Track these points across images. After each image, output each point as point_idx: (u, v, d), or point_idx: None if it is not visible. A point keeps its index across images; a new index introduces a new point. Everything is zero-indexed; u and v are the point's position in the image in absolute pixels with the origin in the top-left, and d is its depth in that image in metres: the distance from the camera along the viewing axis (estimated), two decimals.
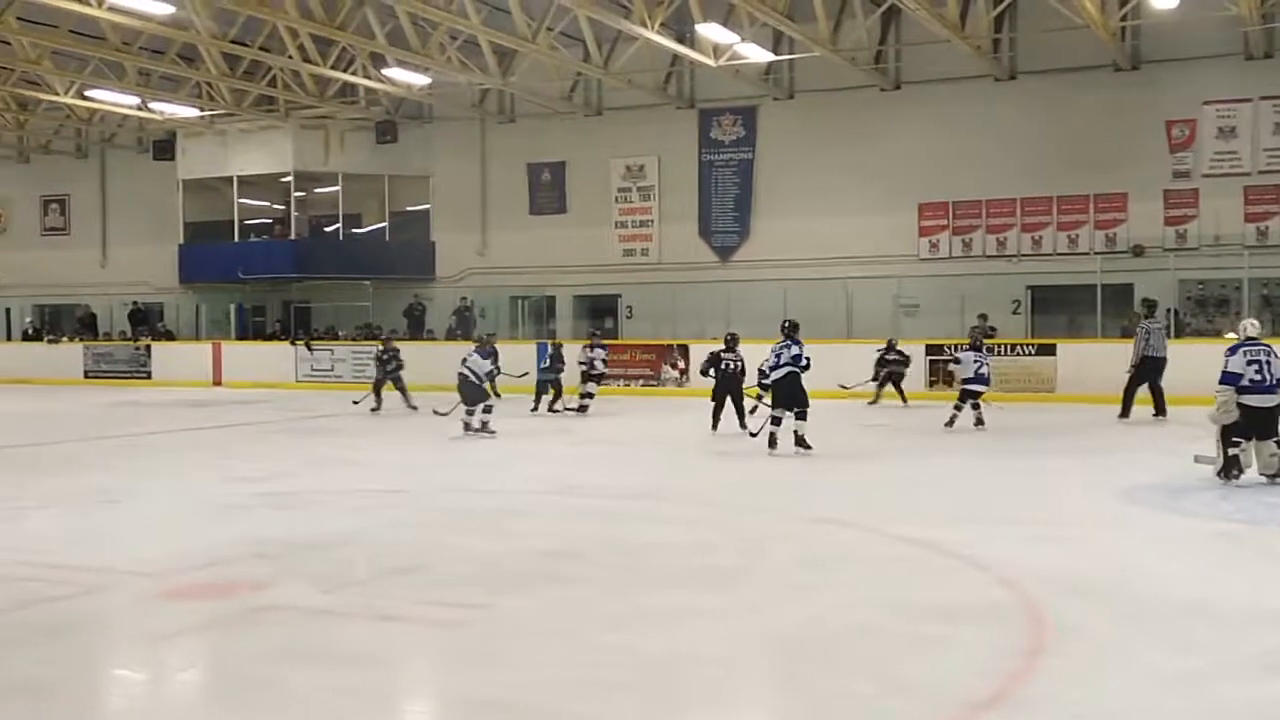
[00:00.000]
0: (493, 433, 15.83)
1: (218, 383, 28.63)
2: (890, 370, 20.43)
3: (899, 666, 5.64)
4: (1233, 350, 11.08)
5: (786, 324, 14.13)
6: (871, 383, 20.53)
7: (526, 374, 22.47)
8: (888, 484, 11.81)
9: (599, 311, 28.70)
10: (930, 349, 22.19)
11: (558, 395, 19.94)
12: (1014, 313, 23.87)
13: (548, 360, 20.42)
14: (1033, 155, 24.03)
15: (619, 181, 28.56)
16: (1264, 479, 10.79)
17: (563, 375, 20.09)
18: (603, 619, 6.55)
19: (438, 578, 7.66)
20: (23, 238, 35.95)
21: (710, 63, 23.34)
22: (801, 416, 13.55)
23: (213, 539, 8.78)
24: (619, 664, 5.72)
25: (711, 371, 16.14)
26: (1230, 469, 10.80)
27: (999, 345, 21.53)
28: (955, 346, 22.00)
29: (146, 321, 32.43)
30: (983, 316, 23.27)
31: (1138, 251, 23.40)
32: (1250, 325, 11.28)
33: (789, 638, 6.19)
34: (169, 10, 20.77)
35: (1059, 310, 24.00)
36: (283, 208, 31.78)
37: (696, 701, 5.26)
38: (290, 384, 27.24)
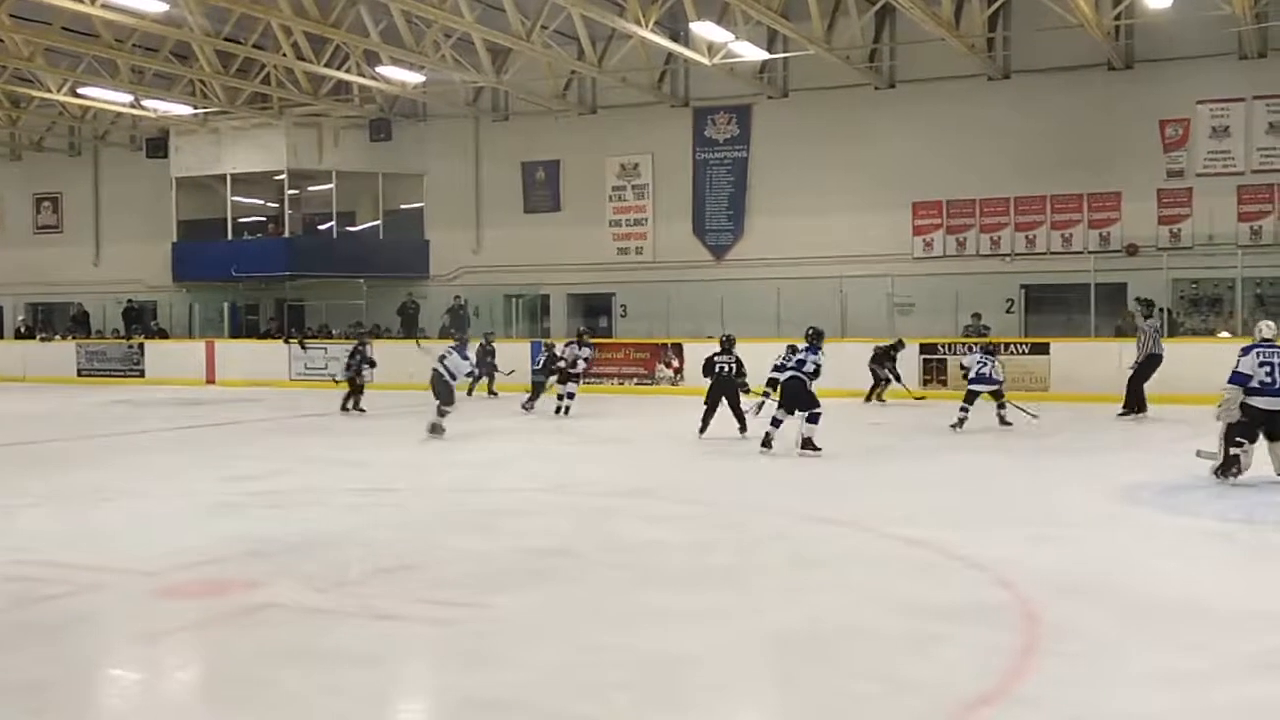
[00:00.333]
0: (442, 431, 15.51)
1: (211, 381, 28.60)
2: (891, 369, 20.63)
3: (896, 666, 5.63)
4: (1246, 351, 11.01)
5: (811, 331, 14.07)
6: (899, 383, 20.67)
7: (513, 371, 22.52)
8: (885, 483, 11.81)
9: (593, 310, 28.70)
10: (924, 348, 22.21)
11: (535, 395, 19.83)
12: (1008, 312, 23.87)
13: (540, 362, 20.36)
14: (1026, 154, 24.05)
15: (613, 180, 28.55)
16: (1273, 478, 10.69)
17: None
18: (600, 618, 6.54)
19: (433, 577, 7.64)
20: (15, 236, 35.89)
21: (704, 61, 23.34)
22: (812, 420, 13.39)
23: (207, 538, 8.76)
24: (616, 663, 5.71)
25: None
26: (1229, 468, 10.78)
27: (992, 344, 21.49)
28: (949, 346, 22.09)
29: (140, 320, 32.39)
30: (976, 315, 23.35)
31: (1131, 251, 23.44)
32: (1266, 327, 11.15)
33: (787, 637, 6.18)
34: (162, 7, 20.72)
35: (1053, 309, 24.02)
36: (276, 206, 31.73)
37: (694, 701, 5.25)
38: (284, 382, 27.20)
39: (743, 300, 24.40)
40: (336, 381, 20.54)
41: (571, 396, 19.02)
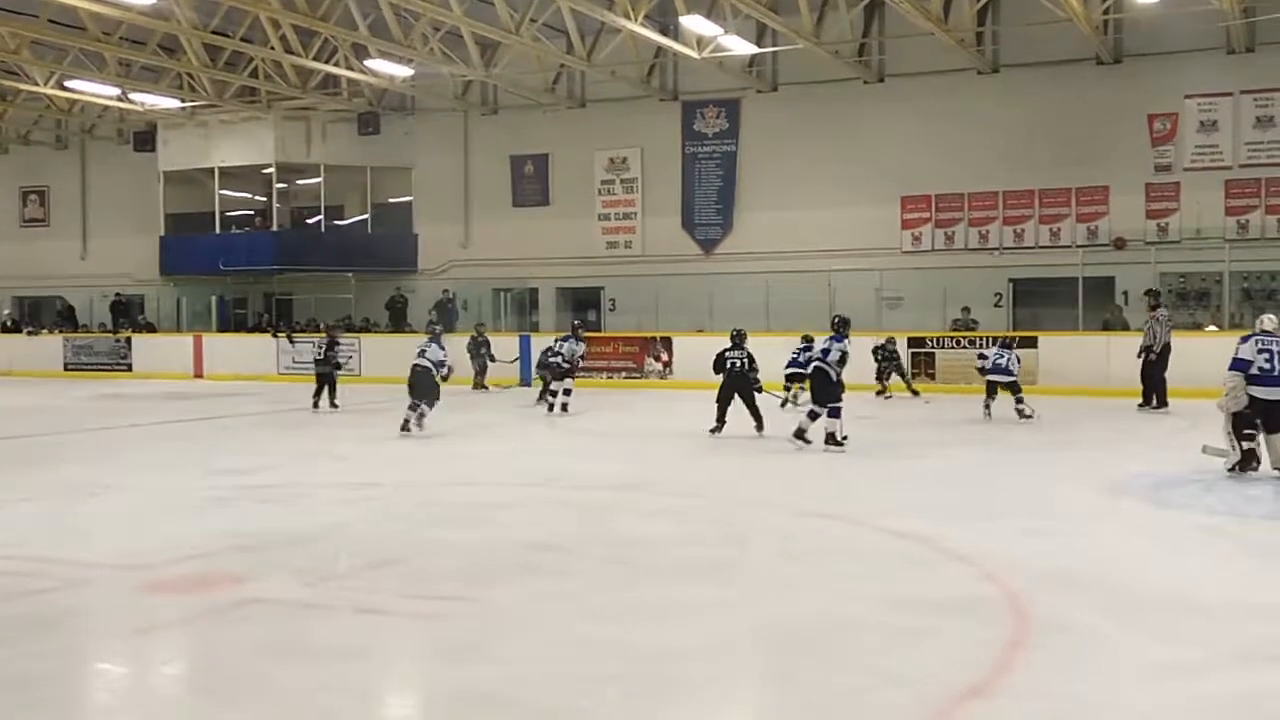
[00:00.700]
0: (421, 428, 15.20)
1: (199, 375, 28.53)
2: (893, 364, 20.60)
3: (885, 659, 5.64)
4: (1245, 339, 11.04)
5: (837, 319, 14.03)
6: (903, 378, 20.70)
7: (518, 359, 22.48)
8: (874, 477, 11.84)
9: (582, 304, 28.68)
10: (913, 341, 22.23)
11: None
12: (996, 305, 23.93)
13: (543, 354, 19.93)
14: (1015, 148, 24.08)
15: (602, 174, 28.54)
16: (1277, 474, 10.68)
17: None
18: (590, 612, 6.54)
19: (422, 571, 7.63)
20: (2, 229, 35.80)
21: (694, 55, 23.32)
22: (833, 414, 13.25)
23: (195, 532, 8.73)
24: (606, 657, 5.71)
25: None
26: (1248, 463, 10.75)
27: (981, 338, 21.60)
28: (938, 340, 22.12)
29: (127, 313, 32.31)
30: (965, 309, 23.39)
31: (1119, 244, 23.49)
32: (1268, 320, 11.14)
33: (776, 630, 6.19)
34: (150, 0, 20.64)
35: (1040, 303, 24.06)
36: (264, 199, 31.69)
37: (684, 695, 5.25)
38: (272, 376, 27.14)
39: (731, 294, 24.41)
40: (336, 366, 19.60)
41: (569, 393, 18.44)
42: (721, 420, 14.71)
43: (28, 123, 33.75)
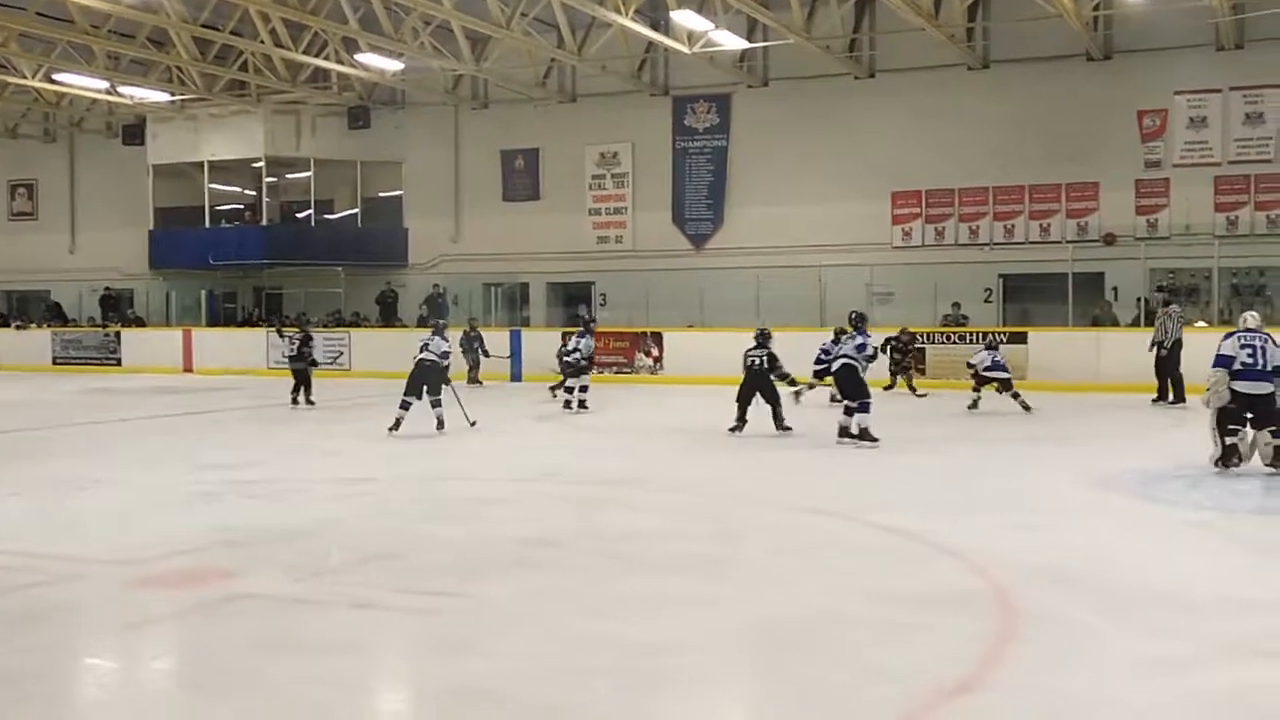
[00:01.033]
0: (443, 428, 14.69)
1: (188, 369, 28.49)
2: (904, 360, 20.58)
3: (873, 654, 5.66)
4: (1228, 335, 11.10)
5: (854, 315, 14.05)
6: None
7: (510, 356, 22.44)
8: (864, 473, 11.86)
9: (572, 299, 28.67)
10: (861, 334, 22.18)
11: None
12: (986, 301, 23.96)
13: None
14: (1005, 144, 24.10)
15: (593, 169, 28.51)
16: (1269, 470, 10.69)
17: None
18: (582, 607, 6.54)
19: (413, 566, 7.63)
20: None
21: (684, 50, 23.31)
22: (862, 409, 13.27)
23: (184, 527, 8.73)
24: (598, 651, 5.72)
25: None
26: (1229, 457, 10.77)
27: (971, 333, 21.64)
28: (928, 335, 22.13)
29: (117, 307, 32.24)
30: (955, 305, 23.42)
31: (1109, 240, 23.53)
32: (1251, 317, 11.21)
33: (766, 625, 6.20)
34: None
35: (1030, 298, 24.10)
36: (254, 193, 31.64)
37: (677, 689, 5.27)
38: (261, 370, 27.07)
39: (722, 289, 24.42)
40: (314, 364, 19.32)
41: (585, 390, 18.08)
42: (742, 419, 14.43)
43: (15, 116, 33.60)
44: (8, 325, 32.75)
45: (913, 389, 20.09)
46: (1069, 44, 23.10)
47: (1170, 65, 23.08)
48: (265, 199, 31.12)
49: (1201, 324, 21.18)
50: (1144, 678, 5.31)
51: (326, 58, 25.60)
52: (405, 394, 14.86)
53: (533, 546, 8.09)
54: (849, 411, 13.46)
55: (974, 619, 6.22)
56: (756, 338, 14.82)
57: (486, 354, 23.22)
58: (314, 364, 19.07)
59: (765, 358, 14.51)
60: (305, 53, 25.15)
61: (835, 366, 13.83)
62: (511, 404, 19.32)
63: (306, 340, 19.02)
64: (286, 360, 19.30)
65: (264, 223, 31.01)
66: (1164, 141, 23.44)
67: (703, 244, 27.38)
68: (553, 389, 19.59)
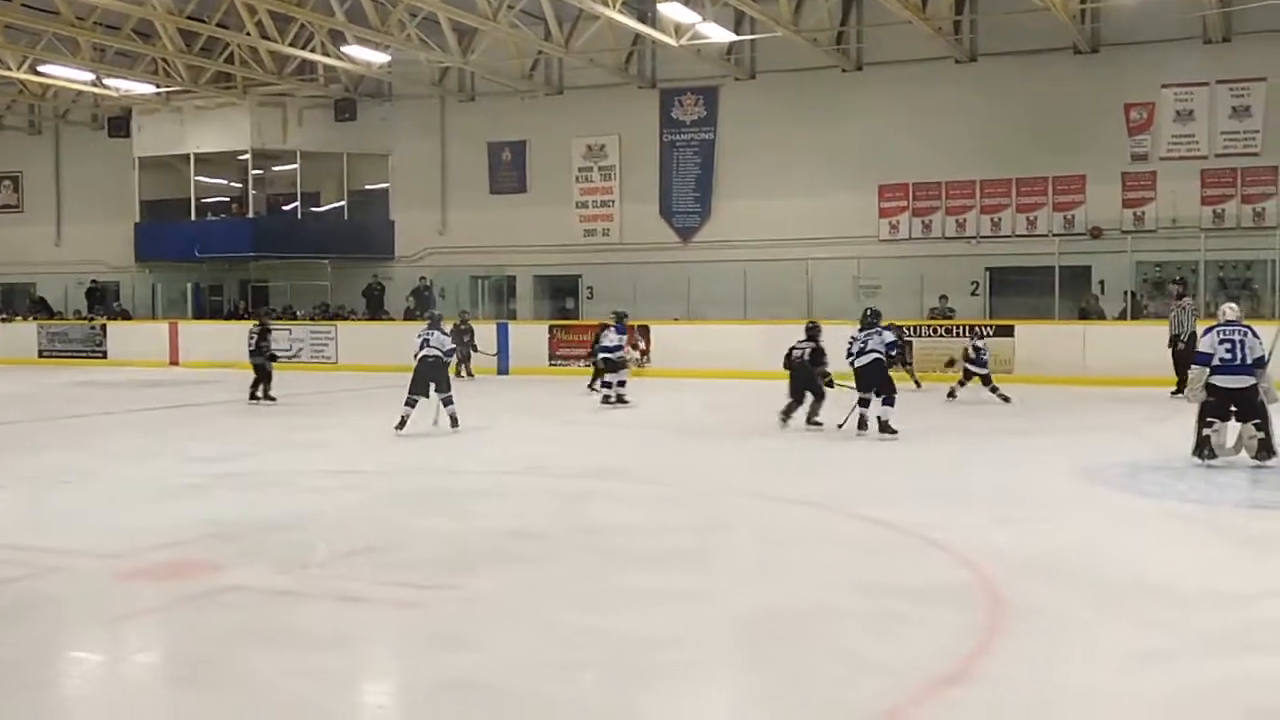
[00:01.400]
0: (457, 425, 14.26)
1: (175, 362, 28.39)
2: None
3: (862, 646, 5.67)
4: (1207, 331, 11.17)
5: (869, 312, 14.14)
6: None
7: (498, 353, 22.42)
8: (852, 465, 11.89)
9: (559, 292, 28.65)
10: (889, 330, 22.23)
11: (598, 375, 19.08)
12: (973, 294, 23.97)
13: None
14: (992, 137, 24.11)
15: (580, 161, 28.47)
16: (1253, 463, 10.72)
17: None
18: (569, 599, 6.54)
19: (400, 558, 7.62)
20: None
21: (672, 42, 23.27)
22: (889, 403, 13.47)
23: (170, 520, 8.70)
24: (586, 644, 5.72)
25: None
26: (1202, 449, 10.82)
27: (958, 326, 21.67)
28: (915, 328, 22.15)
29: (103, 300, 32.13)
30: (943, 298, 23.46)
31: (1095, 234, 23.57)
32: (1229, 309, 11.25)
33: (755, 618, 6.20)
34: None
35: (1017, 291, 24.10)
36: (240, 186, 31.53)
37: (664, 681, 5.27)
38: (248, 364, 26.90)
39: (709, 282, 24.44)
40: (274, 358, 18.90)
41: (622, 384, 17.89)
42: (790, 412, 14.27)
43: (0, 108, 33.44)
44: None
45: (917, 383, 20.08)
46: (1056, 37, 23.11)
47: (1157, 58, 23.12)
48: (251, 191, 31.00)
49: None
50: (1132, 669, 5.33)
51: (313, 50, 25.49)
52: (412, 392, 14.24)
53: (521, 539, 8.08)
54: (865, 404, 13.60)
55: (963, 611, 6.23)
56: (807, 330, 14.68)
57: (476, 348, 23.21)
58: (272, 358, 18.62)
59: (810, 351, 14.37)
60: (291, 45, 25.05)
61: (865, 361, 13.79)
62: (499, 397, 19.30)
63: (265, 334, 18.59)
64: (248, 355, 18.70)
65: (250, 215, 30.89)
66: (1151, 135, 23.48)
67: (690, 237, 27.36)
68: (591, 384, 19.73)
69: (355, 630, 6.08)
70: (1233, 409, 10.80)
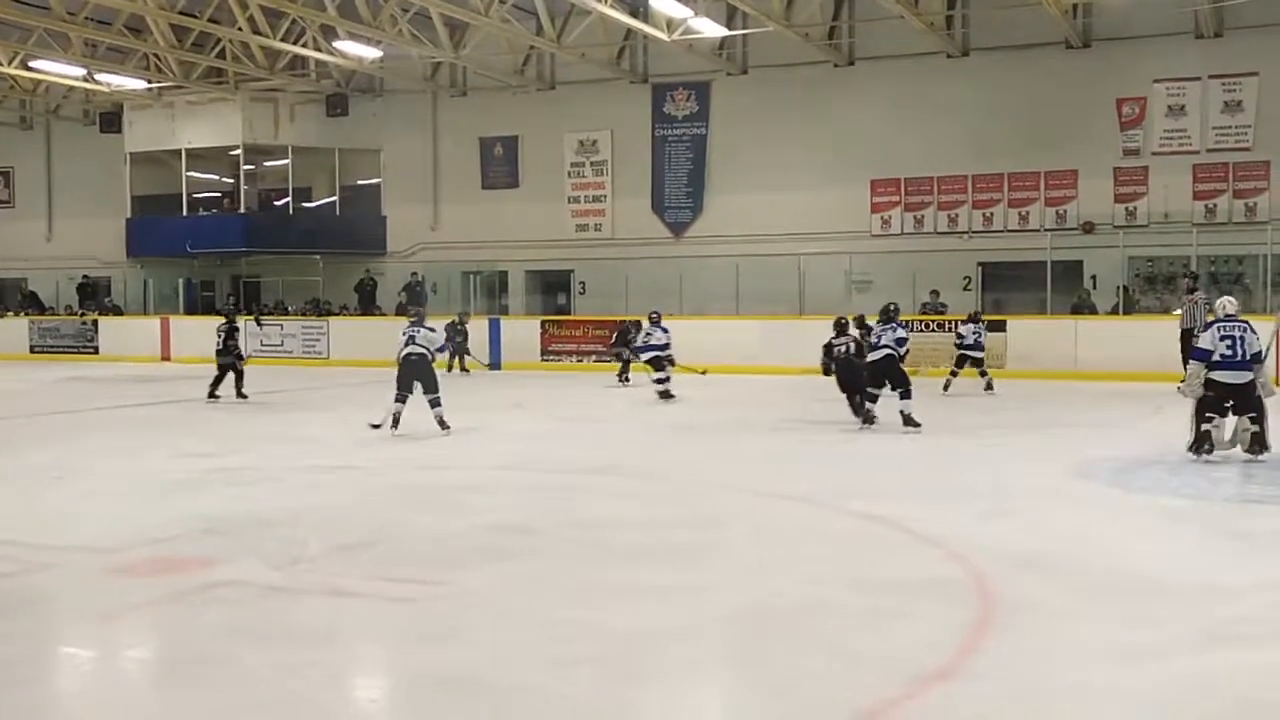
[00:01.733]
0: (448, 428, 13.69)
1: (166, 358, 28.32)
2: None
3: (853, 641, 5.68)
4: (1206, 327, 11.17)
5: (892, 306, 14.26)
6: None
7: (490, 365, 22.45)
8: (843, 460, 11.90)
9: (551, 287, 28.64)
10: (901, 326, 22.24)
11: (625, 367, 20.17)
12: (965, 289, 24.01)
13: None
14: (984, 132, 24.13)
15: (572, 156, 28.46)
16: (1246, 457, 10.74)
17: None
18: (561, 595, 6.54)
19: (392, 554, 7.61)
20: None
21: (664, 37, 23.25)
22: (906, 395, 13.54)
23: (162, 516, 8.68)
24: (577, 639, 5.71)
25: (832, 365, 14.37)
26: (1201, 444, 10.83)
27: (950, 321, 21.68)
28: (908, 323, 22.13)
29: (94, 296, 32.06)
30: (934, 293, 23.45)
31: (1087, 228, 23.61)
32: (1228, 303, 11.24)
33: (745, 613, 6.21)
34: None
35: (1009, 286, 24.15)
36: (232, 181, 31.47)
37: (654, 676, 5.27)
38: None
39: (701, 278, 24.44)
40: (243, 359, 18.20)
41: (669, 380, 17.88)
42: (857, 407, 14.06)
43: None
44: None
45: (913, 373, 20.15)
46: (1048, 32, 23.13)
47: (1149, 53, 23.15)
48: (243, 187, 30.96)
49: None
50: (1120, 663, 5.33)
51: (304, 45, 25.46)
52: (400, 390, 13.75)
53: (512, 535, 8.08)
54: (874, 399, 13.67)
55: (954, 606, 6.23)
56: (837, 326, 14.49)
57: (468, 351, 23.23)
58: (240, 358, 17.93)
59: (851, 344, 14.18)
60: (283, 40, 25.02)
61: (877, 356, 13.79)
62: (491, 392, 19.28)
63: (232, 333, 17.90)
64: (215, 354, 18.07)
65: (242, 211, 30.83)
66: (1143, 129, 23.52)
67: (682, 232, 27.37)
68: (621, 376, 20.54)
69: (346, 625, 6.07)
70: (1229, 404, 10.82)
